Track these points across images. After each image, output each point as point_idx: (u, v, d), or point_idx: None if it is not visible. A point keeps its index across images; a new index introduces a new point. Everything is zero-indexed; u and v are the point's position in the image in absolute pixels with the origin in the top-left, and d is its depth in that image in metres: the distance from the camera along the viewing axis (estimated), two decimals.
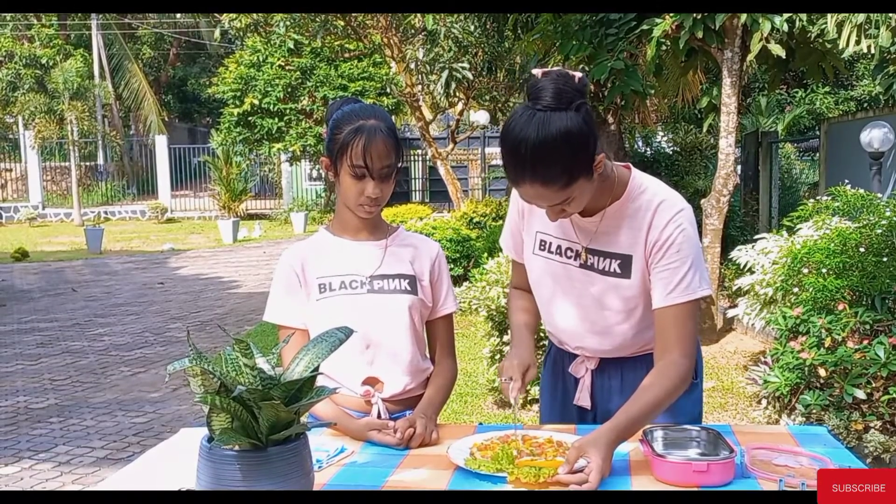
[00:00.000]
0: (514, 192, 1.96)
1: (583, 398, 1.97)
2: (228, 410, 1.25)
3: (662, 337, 1.74)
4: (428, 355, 2.02)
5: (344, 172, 1.83)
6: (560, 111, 1.58)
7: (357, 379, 1.90)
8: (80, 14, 26.46)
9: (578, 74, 1.63)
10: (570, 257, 1.84)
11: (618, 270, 1.79)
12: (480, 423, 1.96)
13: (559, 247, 1.86)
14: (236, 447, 1.27)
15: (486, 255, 7.40)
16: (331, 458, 1.70)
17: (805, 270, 4.37)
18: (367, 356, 1.89)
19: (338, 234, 1.96)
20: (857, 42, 5.11)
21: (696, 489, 1.48)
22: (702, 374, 1.99)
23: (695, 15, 5.60)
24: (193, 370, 1.26)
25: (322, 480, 1.55)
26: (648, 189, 1.78)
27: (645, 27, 5.87)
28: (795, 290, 4.44)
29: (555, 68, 1.65)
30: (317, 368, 1.31)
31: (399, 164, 1.87)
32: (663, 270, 1.73)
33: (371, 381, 1.90)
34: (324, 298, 1.89)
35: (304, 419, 1.48)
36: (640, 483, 1.53)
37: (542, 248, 1.89)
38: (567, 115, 1.58)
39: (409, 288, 1.92)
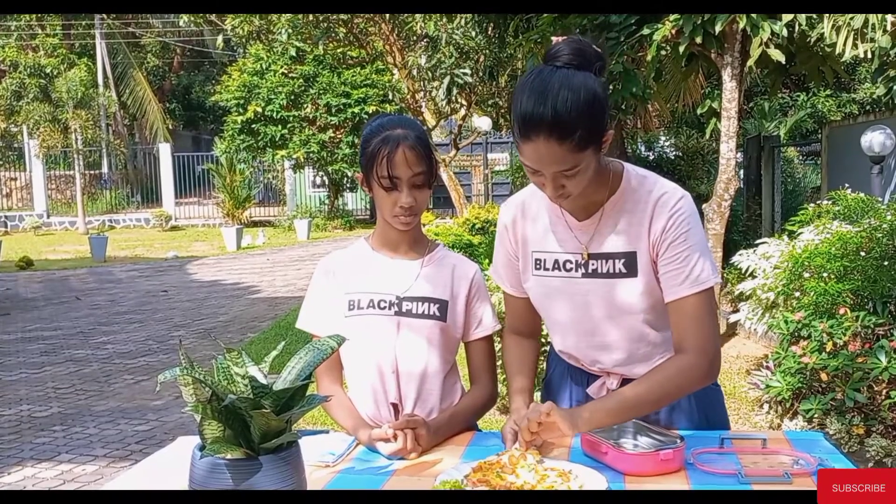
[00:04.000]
0: (500, 224, 1.86)
1: None
2: (219, 419, 1.26)
3: (677, 332, 1.69)
4: (458, 381, 1.98)
5: (375, 185, 1.82)
6: (583, 70, 1.55)
7: (382, 403, 1.88)
8: (83, 23, 26.61)
9: (594, 44, 1.60)
10: (569, 270, 1.75)
11: (623, 270, 1.71)
12: (480, 430, 1.94)
13: (556, 261, 1.77)
14: (228, 456, 1.27)
15: (487, 261, 7.40)
16: (340, 455, 1.71)
17: (806, 275, 4.37)
18: (392, 381, 1.87)
19: (376, 249, 1.94)
20: (855, 46, 5.11)
21: (694, 490, 1.47)
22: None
23: (695, 20, 5.60)
24: (185, 379, 1.26)
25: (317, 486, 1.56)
26: (646, 179, 1.72)
27: (645, 31, 5.87)
28: (797, 294, 4.44)
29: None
30: (309, 377, 1.32)
31: (434, 172, 1.86)
32: (671, 262, 1.68)
33: (396, 407, 1.88)
34: (352, 316, 1.87)
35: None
36: (633, 482, 1.53)
37: (539, 266, 1.79)
38: (589, 75, 1.56)
39: (437, 313, 1.88)
